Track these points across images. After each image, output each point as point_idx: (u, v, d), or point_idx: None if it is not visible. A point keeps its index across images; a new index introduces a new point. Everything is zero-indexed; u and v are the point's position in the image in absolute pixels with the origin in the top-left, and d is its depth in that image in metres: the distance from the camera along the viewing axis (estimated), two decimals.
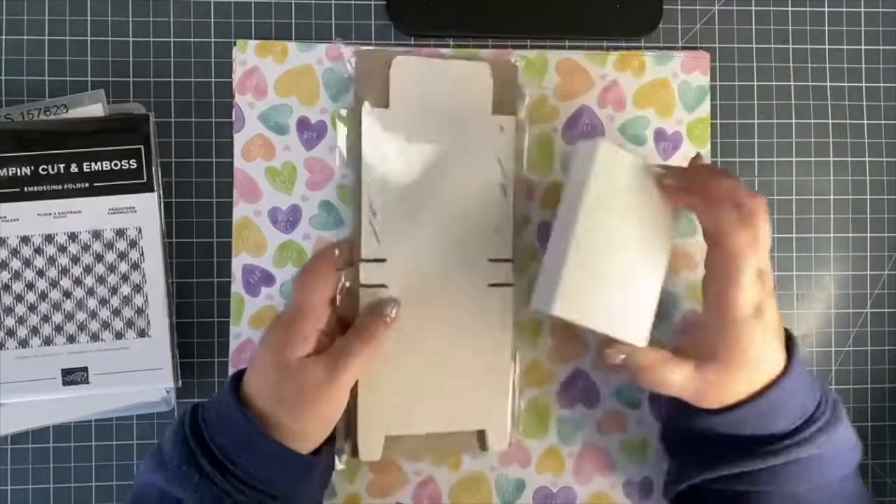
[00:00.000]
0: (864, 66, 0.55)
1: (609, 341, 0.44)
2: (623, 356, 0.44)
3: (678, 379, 0.43)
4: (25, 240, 0.49)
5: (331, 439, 0.46)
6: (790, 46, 0.55)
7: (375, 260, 0.49)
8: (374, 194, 0.49)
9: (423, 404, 0.50)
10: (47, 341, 0.49)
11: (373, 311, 0.47)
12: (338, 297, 0.47)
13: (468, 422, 0.51)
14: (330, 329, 0.46)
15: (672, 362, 0.43)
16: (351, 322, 0.47)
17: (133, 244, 0.49)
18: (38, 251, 0.49)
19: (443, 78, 0.50)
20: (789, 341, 0.44)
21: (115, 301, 0.49)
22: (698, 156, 0.46)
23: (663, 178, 0.44)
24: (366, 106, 0.49)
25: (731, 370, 0.42)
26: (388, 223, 0.49)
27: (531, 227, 0.52)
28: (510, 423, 0.51)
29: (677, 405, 0.45)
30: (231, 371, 0.51)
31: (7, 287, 0.49)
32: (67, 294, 0.49)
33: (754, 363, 0.42)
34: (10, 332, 0.48)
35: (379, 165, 0.49)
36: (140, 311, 0.49)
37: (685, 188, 0.43)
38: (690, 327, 0.52)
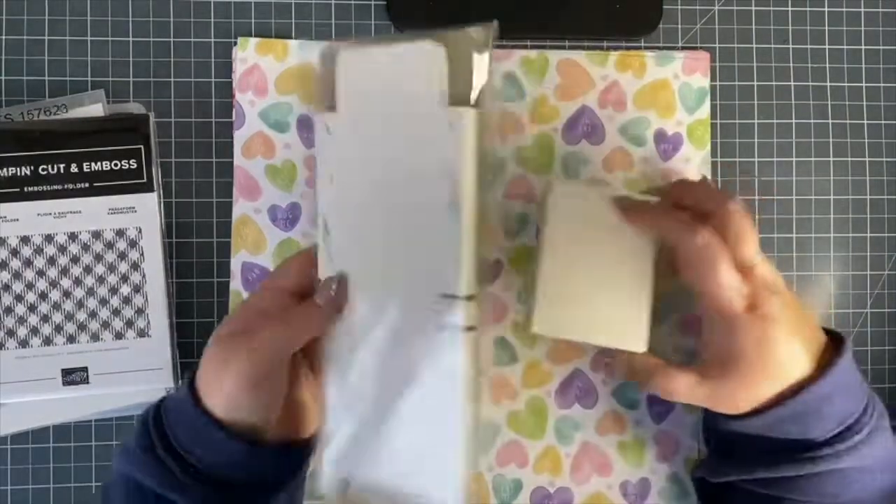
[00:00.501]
0: (864, 66, 0.55)
1: (608, 351, 0.44)
2: (626, 366, 0.44)
3: (682, 388, 0.42)
4: (25, 240, 0.49)
5: (306, 444, 0.45)
6: (790, 46, 0.55)
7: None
8: (327, 209, 0.43)
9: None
10: (47, 341, 0.49)
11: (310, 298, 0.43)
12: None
13: None
14: None
15: (672, 371, 0.43)
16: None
17: (133, 244, 0.50)
18: (38, 251, 0.49)
19: (393, 67, 0.40)
20: (835, 343, 0.42)
21: (115, 301, 0.49)
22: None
23: (617, 206, 0.45)
24: (316, 115, 0.43)
25: (732, 373, 0.41)
26: (341, 243, 0.42)
27: (530, 227, 0.52)
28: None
29: (718, 420, 0.44)
30: None
31: (7, 287, 0.49)
32: (67, 294, 0.49)
33: (762, 364, 0.40)
34: (10, 332, 0.48)
35: (330, 177, 0.42)
36: (140, 311, 0.49)
37: (632, 214, 0.44)
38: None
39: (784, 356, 0.41)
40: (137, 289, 0.49)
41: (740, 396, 0.41)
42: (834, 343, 0.43)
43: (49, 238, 0.49)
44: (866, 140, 0.55)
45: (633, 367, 0.44)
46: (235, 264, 0.52)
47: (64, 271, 0.49)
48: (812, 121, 0.55)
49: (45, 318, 0.49)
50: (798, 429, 0.41)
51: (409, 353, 0.41)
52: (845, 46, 0.55)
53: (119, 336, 0.49)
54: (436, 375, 0.40)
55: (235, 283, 0.52)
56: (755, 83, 0.55)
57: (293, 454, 0.44)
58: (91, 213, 0.49)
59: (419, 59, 0.39)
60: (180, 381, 0.50)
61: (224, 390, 0.40)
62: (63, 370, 0.48)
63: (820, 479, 0.41)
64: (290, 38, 0.53)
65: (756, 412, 0.41)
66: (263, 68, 0.52)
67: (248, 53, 0.52)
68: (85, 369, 0.49)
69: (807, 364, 0.41)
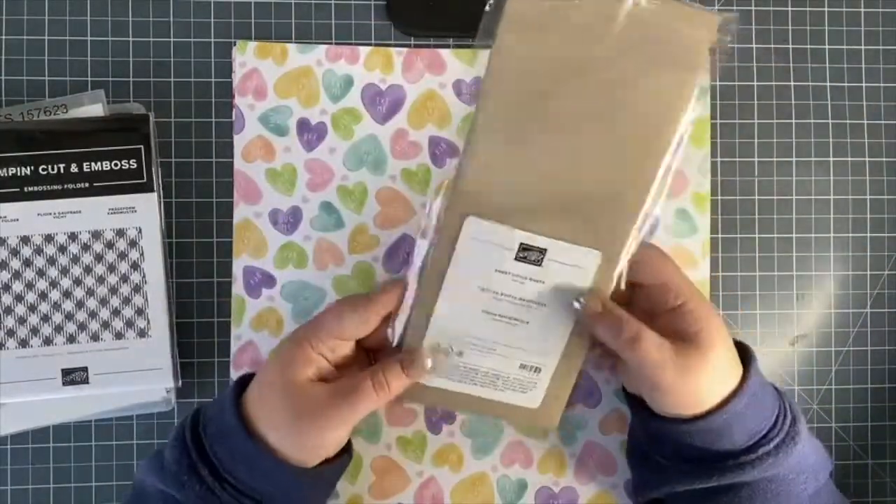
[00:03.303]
0: (864, 66, 0.55)
1: (586, 293, 0.44)
2: (601, 305, 0.43)
3: (654, 351, 0.41)
4: (25, 240, 0.49)
5: (343, 452, 0.46)
6: (790, 46, 0.55)
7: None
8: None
9: None
10: (47, 341, 0.49)
11: (398, 360, 0.44)
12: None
13: None
14: (344, 362, 0.44)
15: (654, 335, 0.41)
16: (374, 348, 0.46)
17: (133, 244, 0.49)
18: (38, 251, 0.49)
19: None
20: (745, 357, 0.44)
21: (115, 301, 0.49)
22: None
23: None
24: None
25: (706, 352, 0.41)
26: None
27: None
28: None
29: (638, 412, 0.45)
30: (232, 372, 0.51)
31: (7, 287, 0.49)
32: (67, 294, 0.49)
33: (724, 353, 0.42)
34: (10, 332, 0.48)
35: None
36: (140, 311, 0.49)
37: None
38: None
39: (730, 362, 0.42)
40: (137, 289, 0.49)
41: (690, 390, 0.41)
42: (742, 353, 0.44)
43: (49, 238, 0.49)
44: (866, 140, 0.55)
45: (606, 305, 0.43)
46: (237, 268, 0.52)
47: (64, 271, 0.49)
48: (812, 121, 0.55)
49: (45, 318, 0.49)
50: (718, 440, 0.42)
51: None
52: (845, 46, 0.55)
53: (119, 336, 0.49)
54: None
55: (237, 288, 0.52)
56: (755, 83, 0.55)
57: (330, 472, 0.45)
58: (91, 213, 0.49)
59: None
60: (180, 381, 0.50)
61: (284, 441, 0.41)
62: (63, 370, 0.48)
63: (741, 490, 0.42)
64: (289, 38, 0.53)
65: (690, 419, 0.42)
66: (262, 72, 0.52)
67: (246, 57, 0.52)
68: (85, 369, 0.49)
69: (738, 373, 0.42)
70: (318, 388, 0.42)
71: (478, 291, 0.44)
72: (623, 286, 0.44)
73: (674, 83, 0.41)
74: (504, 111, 0.41)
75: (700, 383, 0.41)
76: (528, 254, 0.43)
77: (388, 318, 0.44)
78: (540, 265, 0.43)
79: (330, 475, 0.45)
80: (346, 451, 0.46)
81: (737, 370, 0.43)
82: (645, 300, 0.44)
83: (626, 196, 0.42)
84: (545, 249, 0.43)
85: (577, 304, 0.43)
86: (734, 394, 0.42)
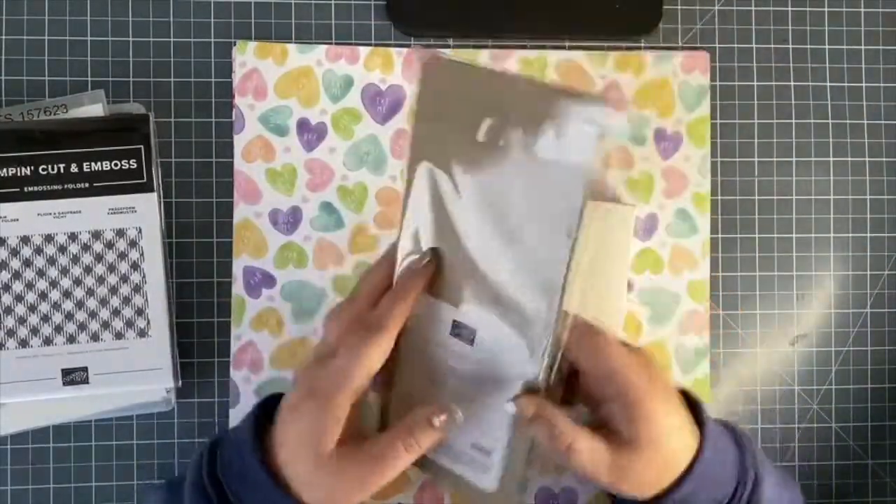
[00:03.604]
0: (863, 66, 0.55)
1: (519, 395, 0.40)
2: (534, 410, 0.39)
3: (587, 460, 0.39)
4: (25, 240, 0.49)
5: None
6: (790, 46, 0.55)
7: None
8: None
9: None
10: (47, 341, 0.49)
11: (425, 416, 0.40)
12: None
13: None
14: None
15: (586, 431, 0.39)
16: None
17: (133, 244, 0.49)
18: (38, 251, 0.49)
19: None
20: (699, 417, 0.42)
21: (115, 301, 0.49)
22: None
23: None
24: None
25: (643, 450, 0.39)
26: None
27: None
28: None
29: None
30: (232, 372, 0.51)
31: (7, 287, 0.49)
32: (67, 294, 0.49)
33: (668, 444, 0.40)
34: (10, 332, 0.48)
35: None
36: (140, 311, 0.49)
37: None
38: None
39: (681, 430, 0.41)
40: (137, 289, 0.49)
41: (644, 479, 0.40)
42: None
43: (49, 238, 0.49)
44: (866, 140, 0.55)
45: (538, 409, 0.39)
46: (237, 268, 0.52)
47: (64, 271, 0.49)
48: (812, 121, 0.55)
49: (45, 318, 0.49)
50: None
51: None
52: (845, 46, 0.55)
53: (119, 336, 0.49)
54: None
55: (237, 288, 0.52)
56: (755, 83, 0.55)
57: None
58: (91, 213, 0.49)
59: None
60: (180, 381, 0.49)
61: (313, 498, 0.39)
62: (63, 370, 0.48)
63: None
64: (289, 38, 0.53)
65: (655, 499, 0.40)
66: (262, 72, 0.52)
67: (246, 57, 0.52)
68: (85, 369, 0.49)
69: (695, 440, 0.41)
70: (349, 460, 0.39)
71: (428, 362, 0.42)
72: (554, 380, 0.40)
73: (569, 181, 0.37)
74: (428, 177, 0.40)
75: (641, 479, 0.40)
76: (461, 331, 0.41)
77: None
78: (472, 345, 0.41)
79: None
80: None
81: (688, 451, 0.40)
82: (591, 385, 0.42)
83: (544, 293, 0.39)
84: (475, 330, 0.41)
85: (509, 407, 0.40)
86: (683, 476, 0.40)
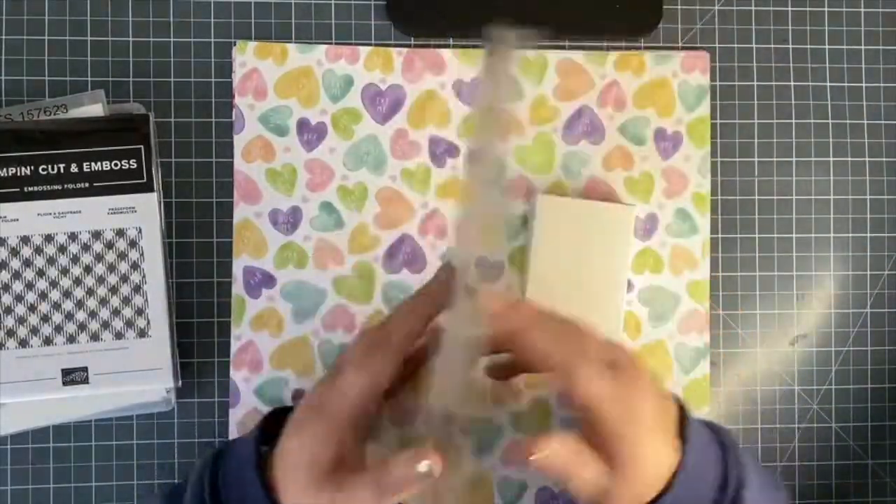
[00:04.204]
0: (863, 66, 0.55)
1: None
2: (538, 453, 0.37)
3: (591, 478, 0.38)
4: (25, 240, 0.49)
5: None
6: (790, 46, 0.55)
7: None
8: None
9: None
10: (47, 341, 0.49)
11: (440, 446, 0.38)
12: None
13: None
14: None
15: (590, 457, 0.38)
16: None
17: (133, 244, 0.49)
18: (38, 251, 0.49)
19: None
20: (684, 423, 0.40)
21: (115, 301, 0.49)
22: None
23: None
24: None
25: (621, 472, 0.38)
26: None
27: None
28: None
29: None
30: (232, 372, 0.51)
31: (7, 287, 0.49)
32: (67, 294, 0.49)
33: (642, 460, 0.38)
34: (10, 332, 0.48)
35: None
36: (140, 311, 0.49)
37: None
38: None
39: (661, 447, 0.39)
40: (137, 289, 0.49)
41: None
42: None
43: (49, 238, 0.49)
44: (866, 140, 0.55)
45: (553, 449, 0.38)
46: (237, 268, 0.52)
47: (64, 271, 0.49)
48: (812, 121, 0.55)
49: (45, 318, 0.49)
50: None
51: None
52: (845, 46, 0.55)
53: (119, 336, 0.49)
54: None
55: (237, 288, 0.52)
56: (755, 83, 0.55)
57: None
58: (91, 213, 0.49)
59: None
60: (180, 381, 0.49)
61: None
62: (63, 370, 0.48)
63: None
64: (289, 38, 0.53)
65: None
66: (262, 72, 0.52)
67: (246, 57, 0.52)
68: (85, 369, 0.49)
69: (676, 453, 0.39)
70: (356, 490, 0.37)
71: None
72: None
73: None
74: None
75: (621, 499, 0.39)
76: None
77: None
78: None
79: None
80: None
81: (668, 469, 0.39)
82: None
83: None
84: None
85: None
86: (662, 493, 0.38)
